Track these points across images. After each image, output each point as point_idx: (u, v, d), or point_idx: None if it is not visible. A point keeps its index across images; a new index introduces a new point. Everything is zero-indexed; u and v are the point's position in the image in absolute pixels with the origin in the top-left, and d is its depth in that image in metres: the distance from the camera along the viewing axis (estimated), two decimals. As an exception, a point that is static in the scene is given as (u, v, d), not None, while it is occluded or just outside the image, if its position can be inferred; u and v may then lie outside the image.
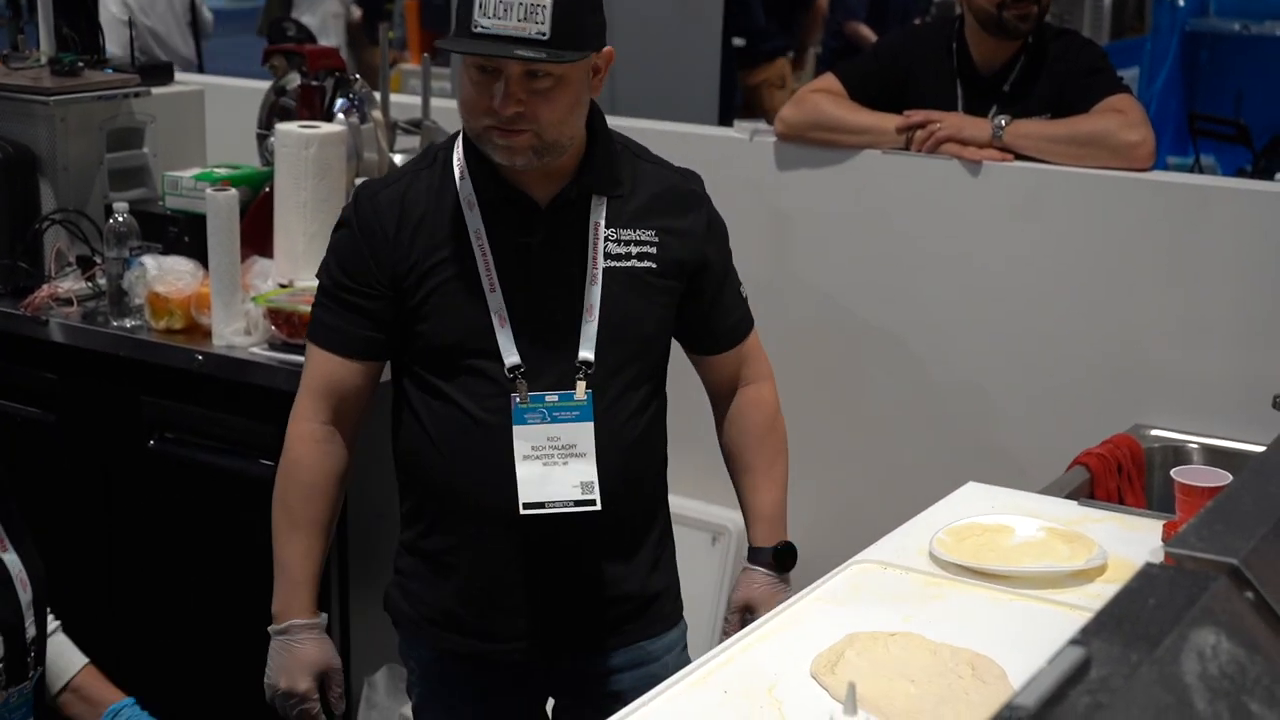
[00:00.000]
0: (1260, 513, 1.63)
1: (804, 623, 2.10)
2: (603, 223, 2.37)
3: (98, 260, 3.49)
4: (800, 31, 8.72)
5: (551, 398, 2.33)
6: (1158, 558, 1.97)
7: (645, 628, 2.48)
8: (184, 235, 3.47)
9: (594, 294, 2.35)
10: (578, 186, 2.35)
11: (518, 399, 2.32)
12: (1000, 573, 2.23)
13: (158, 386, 3.26)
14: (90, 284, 3.45)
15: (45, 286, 3.43)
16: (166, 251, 3.43)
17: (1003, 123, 3.36)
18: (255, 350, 3.16)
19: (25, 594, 1.84)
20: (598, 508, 2.34)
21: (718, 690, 1.89)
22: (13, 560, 1.83)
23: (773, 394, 2.60)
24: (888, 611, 2.13)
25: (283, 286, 3.31)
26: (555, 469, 2.33)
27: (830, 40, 8.46)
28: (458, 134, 2.40)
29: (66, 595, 3.51)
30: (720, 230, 2.51)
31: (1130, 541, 2.35)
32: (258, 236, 3.42)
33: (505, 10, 2.18)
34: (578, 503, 2.33)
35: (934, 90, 3.58)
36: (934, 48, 3.64)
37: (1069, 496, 2.68)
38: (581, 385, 2.34)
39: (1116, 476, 2.95)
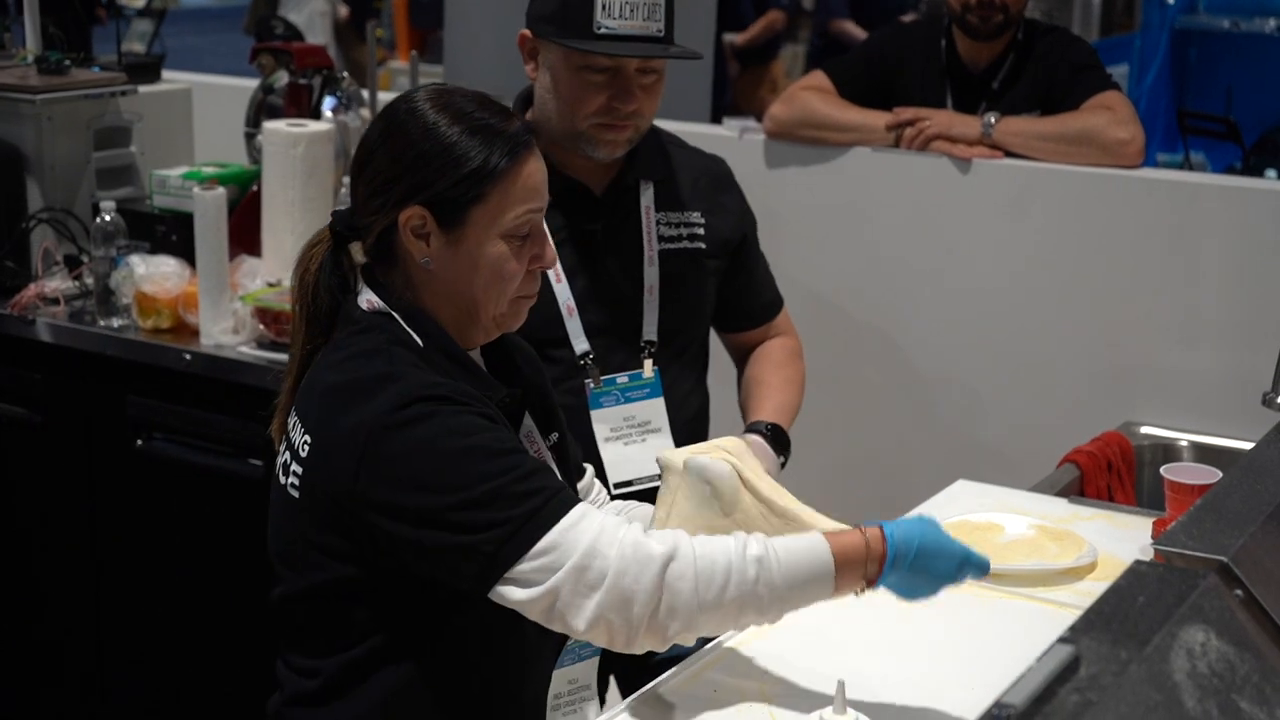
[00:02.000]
0: (1249, 510, 1.63)
1: (793, 621, 2.09)
2: (652, 207, 2.48)
3: (85, 259, 3.48)
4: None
5: (622, 379, 2.44)
6: (1147, 555, 1.97)
7: None
8: (171, 234, 3.46)
9: (652, 275, 2.47)
10: (631, 173, 2.46)
11: (591, 384, 2.41)
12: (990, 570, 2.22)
13: (145, 386, 3.25)
14: (77, 283, 3.44)
15: (32, 286, 3.42)
16: (154, 250, 3.42)
17: (992, 120, 3.36)
18: (243, 349, 3.14)
19: None
20: None
21: (707, 688, 1.89)
22: None
23: (798, 345, 2.72)
24: (877, 608, 2.12)
25: (271, 285, 3.29)
26: (635, 447, 2.43)
27: (816, 39, 8.48)
28: None
29: (53, 597, 3.51)
30: (750, 211, 2.65)
31: (1120, 539, 2.35)
32: (246, 235, 3.40)
33: (631, 11, 2.29)
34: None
35: (923, 87, 3.58)
36: (923, 45, 3.63)
37: (1059, 494, 2.68)
38: (649, 364, 2.45)
39: (1106, 474, 2.94)
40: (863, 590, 1.73)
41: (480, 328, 1.85)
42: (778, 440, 2.51)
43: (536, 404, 1.95)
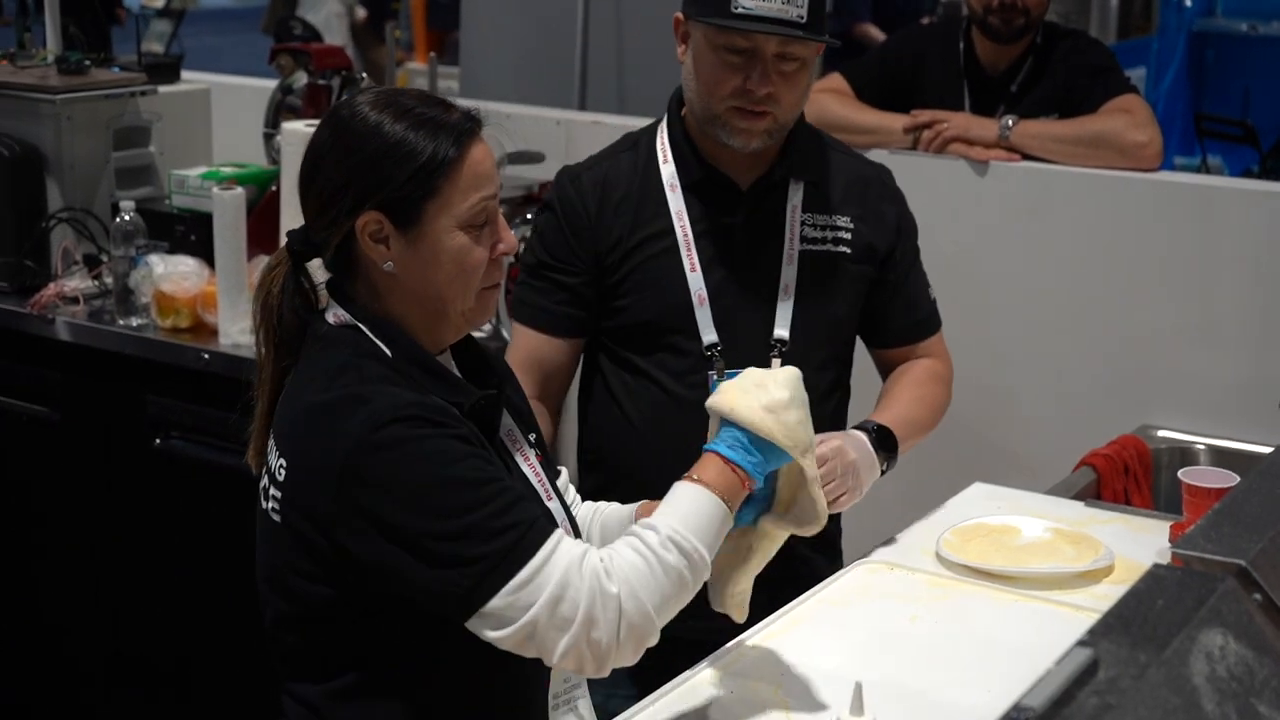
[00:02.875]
0: (1268, 514, 1.62)
1: (810, 623, 2.10)
2: (800, 206, 2.44)
3: (104, 259, 3.50)
4: None
5: None
6: (1165, 559, 1.97)
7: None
8: (190, 234, 3.47)
9: (790, 274, 2.43)
10: (780, 170, 2.43)
11: (715, 376, 2.37)
12: (1007, 573, 2.22)
13: (163, 385, 3.26)
14: (96, 282, 3.45)
15: (52, 285, 3.43)
16: (173, 250, 3.43)
17: (1010, 123, 3.36)
18: (261, 349, 3.15)
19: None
20: None
21: (725, 689, 1.89)
22: (556, 508, 1.91)
23: (945, 370, 2.61)
24: (894, 611, 2.13)
25: (289, 285, 3.30)
26: None
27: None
28: (659, 121, 2.49)
29: (68, 596, 3.52)
30: (911, 225, 2.58)
31: (1137, 542, 2.34)
32: (264, 235, 3.41)
33: None
34: None
35: (941, 90, 3.57)
36: (941, 48, 3.63)
37: (1076, 497, 2.67)
38: (777, 362, 2.39)
39: (1123, 477, 2.94)
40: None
41: (450, 325, 1.83)
42: (883, 443, 2.37)
43: (512, 402, 1.94)
